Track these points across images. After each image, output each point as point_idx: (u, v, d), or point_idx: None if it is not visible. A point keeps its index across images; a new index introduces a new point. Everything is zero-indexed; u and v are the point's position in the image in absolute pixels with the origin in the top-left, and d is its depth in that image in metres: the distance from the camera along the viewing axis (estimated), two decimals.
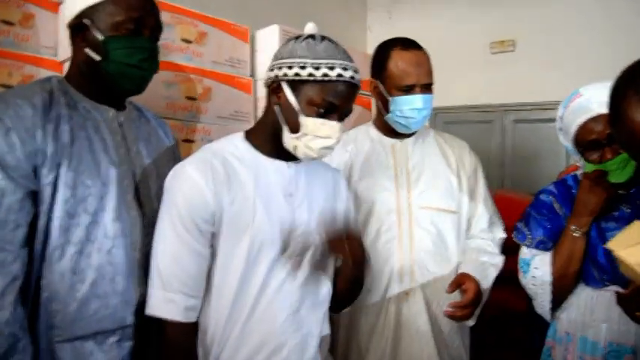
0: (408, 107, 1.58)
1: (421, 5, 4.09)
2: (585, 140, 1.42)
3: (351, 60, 1.23)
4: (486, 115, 3.90)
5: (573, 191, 1.56)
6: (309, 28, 1.28)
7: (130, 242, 1.23)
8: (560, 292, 1.51)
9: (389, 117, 1.63)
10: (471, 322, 1.64)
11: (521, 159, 3.74)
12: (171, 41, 1.65)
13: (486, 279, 1.60)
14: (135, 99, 1.54)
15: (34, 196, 1.12)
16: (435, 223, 1.63)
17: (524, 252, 1.59)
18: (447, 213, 1.65)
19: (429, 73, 1.61)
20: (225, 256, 1.23)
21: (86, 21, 1.19)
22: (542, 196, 1.60)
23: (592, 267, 1.47)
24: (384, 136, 1.71)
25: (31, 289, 1.13)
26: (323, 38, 1.25)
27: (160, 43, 1.59)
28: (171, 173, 1.25)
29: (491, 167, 1.86)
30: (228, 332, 1.24)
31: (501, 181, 3.72)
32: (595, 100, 1.41)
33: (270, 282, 1.25)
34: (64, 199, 1.14)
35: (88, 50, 1.20)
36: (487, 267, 1.63)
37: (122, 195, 1.23)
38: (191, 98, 1.69)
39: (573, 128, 1.44)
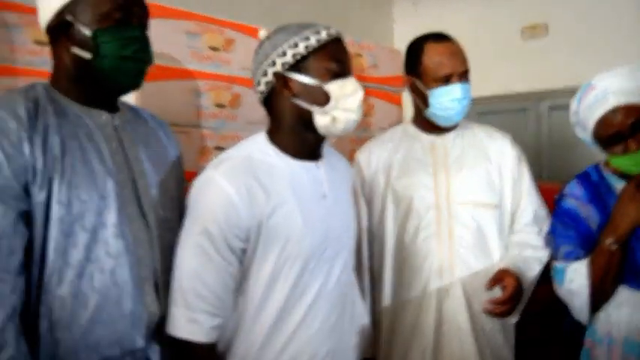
0: (448, 98, 1.57)
1: None
2: (606, 134, 1.37)
3: None
4: (520, 104, 3.81)
5: (600, 188, 1.50)
6: (263, 33, 1.29)
7: (136, 259, 1.13)
8: (598, 301, 1.46)
9: (429, 111, 1.62)
10: (513, 319, 1.61)
11: (558, 147, 3.64)
12: (199, 50, 1.68)
13: (529, 274, 1.57)
14: (164, 110, 1.55)
15: (27, 217, 1.02)
16: (475, 219, 1.62)
17: (556, 262, 1.54)
18: (488, 207, 1.64)
19: (464, 61, 1.61)
20: (260, 269, 1.18)
21: (68, 17, 1.09)
22: (564, 203, 1.54)
23: (632, 270, 1.41)
24: (423, 134, 1.71)
25: (29, 319, 1.03)
26: (288, 24, 1.24)
27: (189, 52, 1.64)
28: (197, 183, 1.18)
29: (527, 157, 1.82)
30: (266, 347, 1.20)
31: (539, 171, 3.64)
32: (610, 90, 1.35)
33: (307, 290, 1.22)
34: (58, 217, 1.03)
35: (75, 49, 1.10)
36: (530, 261, 1.60)
37: (123, 207, 1.12)
38: (220, 105, 1.72)
39: (591, 123, 1.39)
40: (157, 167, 1.24)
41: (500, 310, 1.49)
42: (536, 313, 1.79)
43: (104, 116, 1.16)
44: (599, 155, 1.61)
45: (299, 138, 1.25)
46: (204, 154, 1.67)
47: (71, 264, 1.04)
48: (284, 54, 1.19)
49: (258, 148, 1.23)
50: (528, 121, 3.79)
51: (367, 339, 1.67)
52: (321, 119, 1.20)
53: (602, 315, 1.47)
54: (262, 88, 1.24)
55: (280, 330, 1.20)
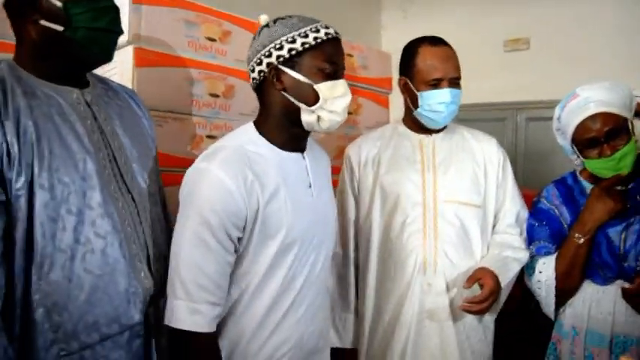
0: (436, 101, 1.60)
1: (436, 4, 4.11)
2: (584, 138, 1.48)
3: None
4: (499, 113, 3.92)
5: (574, 191, 1.61)
6: (264, 18, 1.29)
7: (125, 236, 1.12)
8: (564, 294, 1.57)
9: (418, 112, 1.65)
10: (491, 317, 1.66)
11: (533, 157, 3.76)
12: (196, 39, 1.70)
13: (507, 274, 1.61)
14: (160, 96, 1.55)
15: (5, 206, 0.97)
16: (459, 217, 1.65)
17: (529, 256, 1.65)
18: (472, 207, 1.67)
19: (457, 67, 1.64)
20: (255, 258, 1.20)
21: None
22: (540, 205, 1.67)
23: (596, 265, 1.51)
24: (412, 132, 1.75)
25: (15, 311, 0.99)
26: (290, 16, 1.25)
27: (186, 41, 1.67)
28: (190, 175, 1.18)
29: None
30: (259, 330, 1.23)
31: (515, 178, 3.74)
32: (592, 99, 1.46)
33: (297, 276, 1.26)
34: (42, 203, 1.00)
35: (44, 22, 1.04)
36: (509, 262, 1.64)
37: (106, 186, 1.10)
38: (214, 95, 1.75)
39: (571, 128, 1.49)
40: (134, 140, 1.22)
41: (477, 308, 1.52)
42: (515, 309, 1.85)
43: (75, 93, 1.12)
44: (571, 165, 1.71)
45: (286, 130, 1.27)
46: (196, 142, 1.69)
47: (61, 248, 1.02)
48: (280, 47, 1.20)
49: (248, 138, 1.26)
50: (506, 130, 3.89)
51: (350, 329, 1.73)
52: (307, 117, 1.23)
53: (568, 310, 1.58)
54: (255, 75, 1.26)
55: (271, 316, 1.24)
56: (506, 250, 1.67)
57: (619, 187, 1.51)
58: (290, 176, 1.26)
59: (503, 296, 1.63)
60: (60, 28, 1.04)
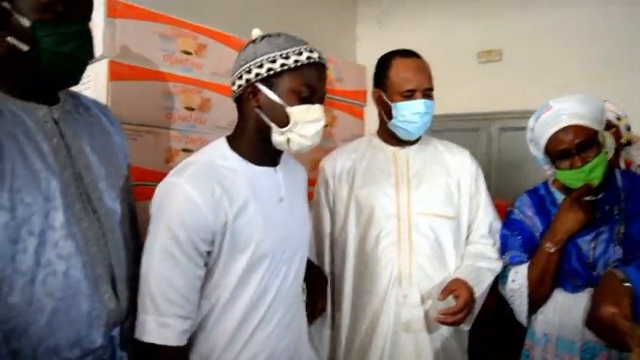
0: (410, 112, 1.63)
1: (410, 16, 4.16)
2: (556, 150, 1.51)
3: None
4: (472, 124, 3.98)
5: (546, 201, 1.65)
6: (256, 32, 1.30)
7: (88, 258, 1.08)
8: (536, 301, 1.60)
9: (392, 123, 1.67)
10: (465, 327, 1.67)
11: (506, 167, 3.82)
12: (172, 53, 1.70)
13: (481, 284, 1.62)
14: (135, 110, 1.54)
15: None
16: (433, 229, 1.67)
17: (502, 265, 1.68)
18: (446, 219, 1.69)
19: (429, 78, 1.67)
20: (225, 271, 1.21)
21: (5, 4, 1.00)
22: (512, 215, 1.70)
23: (566, 273, 1.55)
24: (387, 145, 1.77)
25: None
26: (278, 34, 1.26)
27: (161, 54, 1.66)
28: (160, 190, 1.19)
29: None
30: (230, 344, 1.24)
31: (488, 188, 3.80)
32: (564, 112, 1.50)
33: (269, 289, 1.27)
34: (2, 224, 0.96)
35: (11, 39, 1.01)
36: (483, 272, 1.66)
37: (69, 206, 1.06)
38: (190, 109, 1.75)
39: (544, 139, 1.53)
40: (102, 158, 1.19)
41: (452, 319, 1.54)
42: (489, 319, 1.87)
43: (42, 111, 1.09)
44: (544, 175, 1.74)
45: (258, 145, 1.29)
46: (171, 156, 1.69)
47: (21, 271, 0.98)
48: (261, 65, 1.22)
49: (219, 153, 1.27)
50: (480, 140, 3.95)
51: (326, 341, 1.73)
52: (277, 137, 1.24)
53: (540, 317, 1.61)
54: (235, 88, 1.28)
55: (243, 329, 1.24)
56: (480, 260, 1.69)
57: (589, 198, 1.55)
58: (261, 190, 1.27)
59: (478, 306, 1.65)
60: (25, 48, 1.01)
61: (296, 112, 1.22)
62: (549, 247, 1.54)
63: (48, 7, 1.01)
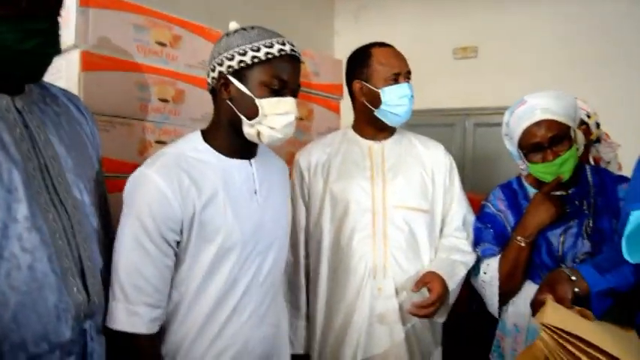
0: (398, 95, 1.65)
1: (387, 11, 4.19)
2: (529, 143, 1.54)
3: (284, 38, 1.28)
4: (448, 119, 4.03)
5: (518, 195, 1.68)
6: (233, 25, 1.31)
7: (55, 251, 1.05)
8: (507, 293, 1.63)
9: (380, 110, 1.68)
10: (440, 319, 1.70)
11: (481, 161, 3.88)
12: (146, 44, 1.68)
13: (455, 277, 1.65)
14: (108, 101, 1.51)
15: None
16: (407, 222, 1.69)
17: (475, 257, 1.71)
18: (420, 212, 1.71)
19: (407, 62, 1.71)
20: (194, 262, 1.22)
21: None
22: (486, 209, 1.74)
23: (536, 266, 1.58)
24: (362, 138, 1.78)
25: None
26: (252, 27, 1.27)
27: (135, 45, 1.64)
28: (131, 180, 1.21)
29: None
30: (200, 335, 1.25)
31: (462, 183, 3.85)
32: (538, 107, 1.53)
33: (240, 281, 1.28)
34: None
35: None
36: (457, 265, 1.68)
37: (34, 198, 1.03)
38: (164, 100, 1.72)
39: (518, 132, 1.56)
40: (70, 149, 1.16)
41: (424, 312, 1.56)
42: (464, 310, 1.90)
43: (4, 100, 1.05)
44: (516, 170, 1.77)
45: (230, 138, 1.30)
46: (145, 147, 1.66)
47: None
48: (232, 58, 1.23)
49: (191, 146, 1.29)
50: (455, 135, 4.01)
51: (301, 335, 1.74)
52: (248, 129, 1.26)
53: (510, 309, 1.64)
54: (209, 80, 1.30)
55: (213, 320, 1.25)
56: (454, 253, 1.71)
57: (560, 193, 1.59)
58: (232, 182, 1.28)
59: (452, 299, 1.67)
60: None
61: (265, 104, 1.23)
62: (520, 241, 1.57)
63: (10, 2, 0.96)
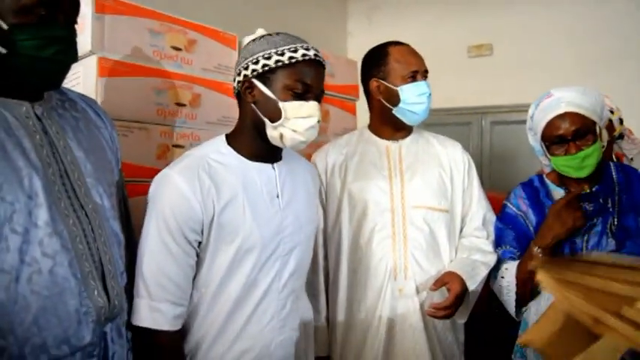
0: (417, 93, 1.64)
1: (400, 11, 4.17)
2: (552, 135, 1.52)
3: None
4: (464, 118, 4.00)
5: (540, 193, 1.66)
6: (260, 32, 1.33)
7: (75, 255, 1.06)
8: (524, 299, 1.61)
9: (399, 109, 1.66)
10: (461, 320, 1.68)
11: (499, 160, 3.84)
12: (161, 49, 1.69)
13: (475, 277, 1.62)
14: (125, 106, 1.52)
15: None
16: (427, 222, 1.67)
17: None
18: (439, 212, 1.68)
19: (424, 60, 1.70)
20: (213, 262, 1.24)
21: None
22: (507, 209, 1.71)
23: None
24: (379, 138, 1.76)
25: None
26: (278, 33, 1.30)
27: (151, 50, 1.65)
28: (155, 180, 1.24)
29: None
30: (220, 335, 1.26)
31: (480, 182, 3.82)
32: (564, 100, 1.51)
33: (259, 283, 1.28)
34: None
35: None
36: (477, 265, 1.66)
37: (54, 203, 1.04)
38: (180, 104, 1.73)
39: (542, 125, 1.54)
40: (89, 153, 1.17)
41: (443, 314, 1.54)
42: (486, 311, 1.88)
43: (24, 107, 1.06)
44: (535, 168, 1.75)
45: (254, 141, 1.31)
46: (163, 152, 1.67)
47: (5, 270, 0.97)
48: (256, 62, 1.26)
49: (214, 148, 1.31)
50: (472, 134, 3.99)
51: (322, 337, 1.73)
52: (271, 132, 1.27)
53: (532, 309, 1.61)
54: (235, 85, 1.32)
55: (233, 322, 1.27)
56: (475, 253, 1.69)
57: (584, 191, 1.56)
58: (253, 185, 1.29)
59: (473, 299, 1.65)
60: (4, 51, 0.98)
61: (288, 107, 1.25)
62: (537, 251, 1.55)
63: (29, 10, 0.98)
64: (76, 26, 1.10)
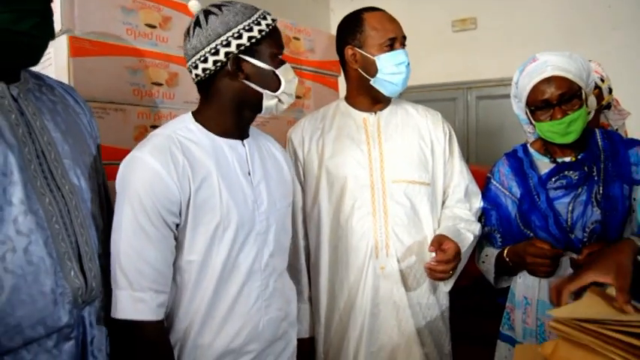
0: (394, 63, 1.58)
1: None
2: (537, 100, 1.50)
3: None
4: (450, 93, 3.98)
5: (524, 163, 1.65)
6: (194, 4, 1.30)
7: (52, 234, 1.05)
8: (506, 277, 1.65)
9: (377, 79, 1.60)
10: (446, 288, 1.67)
11: (484, 134, 3.84)
12: (135, 27, 1.63)
13: (464, 242, 1.58)
14: (99, 87, 1.48)
15: None
16: (408, 196, 1.63)
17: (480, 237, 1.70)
18: (420, 185, 1.65)
19: (401, 26, 1.63)
20: (192, 244, 1.20)
21: None
22: (489, 184, 1.72)
23: (545, 237, 1.54)
24: (356, 110, 1.71)
25: None
26: (230, 2, 1.27)
27: (124, 28, 1.60)
28: (124, 165, 1.18)
29: None
30: (207, 321, 1.23)
31: (466, 156, 3.82)
32: (550, 63, 1.49)
33: (240, 265, 1.26)
34: None
35: None
36: (463, 232, 1.63)
37: (30, 182, 1.03)
38: (157, 84, 1.69)
39: (527, 90, 1.52)
40: (67, 135, 1.16)
41: (442, 268, 1.49)
42: (470, 284, 1.87)
43: (0, 87, 1.05)
44: (520, 141, 1.73)
45: (230, 118, 1.29)
46: (140, 133, 1.63)
47: None
48: (240, 36, 1.22)
49: (182, 126, 1.27)
50: (457, 109, 3.97)
51: (305, 318, 1.71)
52: (269, 101, 1.27)
53: (519, 280, 1.61)
54: (209, 65, 1.24)
55: (218, 306, 1.24)
56: (459, 223, 1.66)
57: (568, 159, 1.55)
58: (225, 162, 1.26)
59: (461, 266, 1.62)
60: None
61: (283, 73, 1.27)
62: (509, 261, 1.57)
63: None
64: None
